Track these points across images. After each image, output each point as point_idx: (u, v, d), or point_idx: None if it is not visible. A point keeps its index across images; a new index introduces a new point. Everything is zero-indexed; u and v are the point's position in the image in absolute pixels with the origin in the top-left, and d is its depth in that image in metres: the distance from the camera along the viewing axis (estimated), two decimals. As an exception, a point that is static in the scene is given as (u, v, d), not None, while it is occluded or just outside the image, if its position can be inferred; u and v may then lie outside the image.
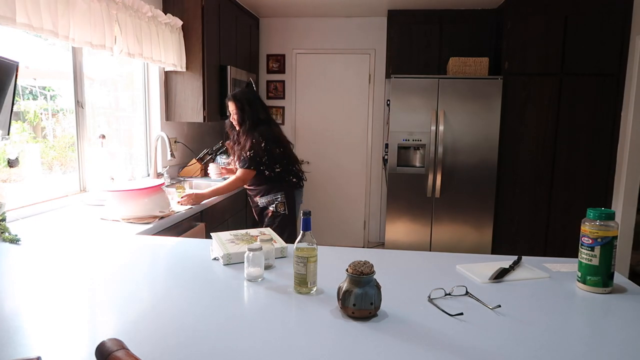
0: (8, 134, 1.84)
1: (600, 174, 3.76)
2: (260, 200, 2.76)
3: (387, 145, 4.10)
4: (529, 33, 3.69)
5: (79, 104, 2.54)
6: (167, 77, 3.35)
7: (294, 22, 4.64)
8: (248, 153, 2.63)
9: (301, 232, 1.19)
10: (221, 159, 3.50)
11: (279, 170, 2.70)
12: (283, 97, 4.75)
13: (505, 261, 1.45)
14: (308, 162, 4.81)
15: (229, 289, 1.24)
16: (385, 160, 4.41)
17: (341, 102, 4.69)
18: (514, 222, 3.90)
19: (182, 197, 2.55)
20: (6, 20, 1.75)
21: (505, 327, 1.02)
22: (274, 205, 2.72)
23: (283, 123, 4.77)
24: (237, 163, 2.72)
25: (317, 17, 4.57)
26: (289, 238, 2.58)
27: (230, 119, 2.75)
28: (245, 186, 2.81)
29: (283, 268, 1.41)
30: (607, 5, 3.59)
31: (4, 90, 1.75)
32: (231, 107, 2.71)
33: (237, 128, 2.72)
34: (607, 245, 1.19)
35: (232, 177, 2.71)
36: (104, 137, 2.56)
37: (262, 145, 2.62)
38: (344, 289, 1.06)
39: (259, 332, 0.98)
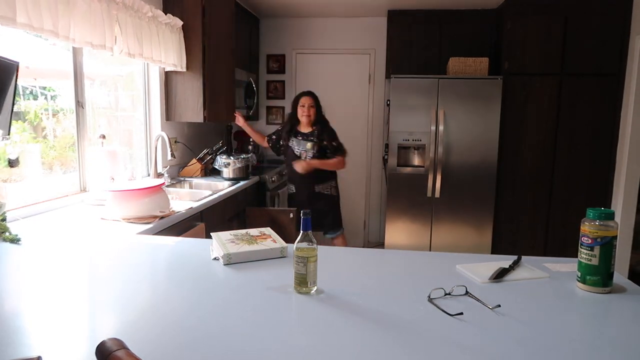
0: (8, 134, 1.85)
1: (600, 174, 3.76)
2: (317, 187, 3.31)
3: (387, 145, 4.10)
4: (529, 33, 3.70)
5: (79, 103, 2.54)
6: (168, 77, 3.35)
7: (293, 22, 4.64)
8: (339, 142, 3.25)
9: (301, 231, 1.19)
10: (221, 159, 3.50)
11: None
12: (283, 97, 4.75)
13: (505, 261, 1.45)
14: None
15: (228, 289, 1.24)
16: (385, 160, 4.42)
17: (341, 102, 4.69)
18: (514, 222, 3.90)
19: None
20: (6, 20, 1.75)
21: (505, 327, 1.02)
22: (328, 190, 3.34)
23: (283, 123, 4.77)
24: (312, 153, 3.22)
25: (317, 17, 4.57)
26: (336, 219, 3.42)
27: (304, 113, 3.23)
28: (302, 172, 3.23)
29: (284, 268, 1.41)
30: (607, 5, 3.59)
31: (5, 90, 1.75)
32: (309, 101, 3.24)
33: (310, 121, 3.25)
34: (607, 245, 1.20)
35: (336, 159, 3.23)
36: (104, 137, 2.56)
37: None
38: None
39: (259, 332, 0.98)
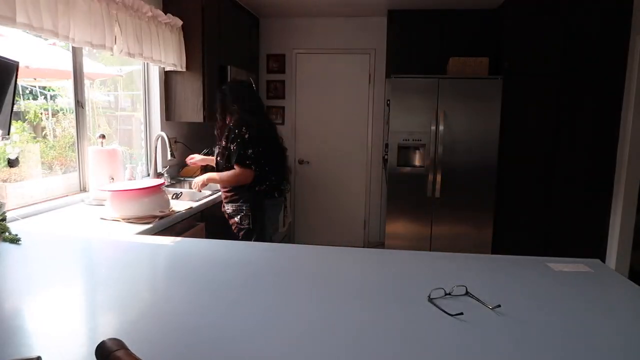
0: (8, 134, 1.84)
1: (600, 173, 3.76)
2: (227, 207, 2.53)
3: (387, 145, 4.10)
4: (529, 33, 3.69)
5: (79, 103, 2.54)
6: (167, 77, 3.35)
7: (294, 22, 4.64)
8: (233, 146, 2.41)
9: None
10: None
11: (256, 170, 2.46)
12: (283, 97, 4.75)
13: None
14: (308, 162, 4.81)
15: (228, 288, 1.24)
16: (385, 160, 4.41)
17: (341, 102, 4.69)
18: (514, 222, 3.90)
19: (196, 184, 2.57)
20: (6, 20, 1.75)
21: (505, 326, 1.02)
22: (239, 217, 2.50)
23: (283, 123, 4.77)
24: (220, 159, 2.50)
25: (317, 17, 4.57)
26: None
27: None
28: (220, 187, 2.62)
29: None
30: (607, 5, 3.59)
31: (4, 90, 1.75)
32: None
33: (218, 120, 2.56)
34: None
35: (232, 171, 2.47)
36: (103, 137, 2.56)
37: (246, 137, 2.41)
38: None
39: (259, 332, 0.98)
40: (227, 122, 2.53)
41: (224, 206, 2.58)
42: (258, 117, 2.54)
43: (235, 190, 2.49)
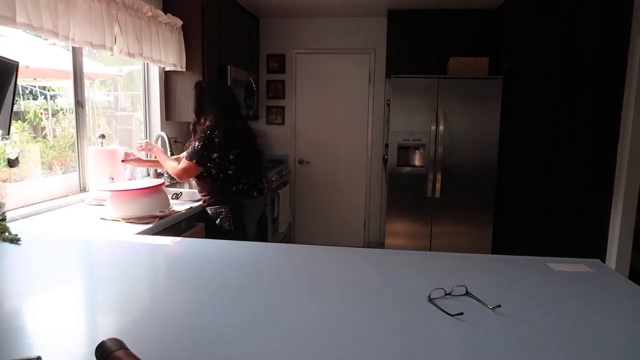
0: (8, 134, 1.84)
1: (600, 173, 3.76)
2: (208, 210, 2.49)
3: (387, 145, 4.10)
4: (529, 33, 3.69)
5: (79, 103, 2.54)
6: (167, 77, 3.35)
7: (293, 22, 4.64)
8: (197, 144, 2.37)
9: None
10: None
11: (231, 173, 2.43)
12: (283, 97, 4.75)
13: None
14: (308, 162, 4.81)
15: (229, 289, 1.24)
16: (385, 160, 4.41)
17: (341, 102, 4.69)
18: (514, 222, 3.90)
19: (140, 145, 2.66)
20: (6, 20, 1.75)
21: (505, 327, 1.02)
22: (219, 220, 2.46)
23: (283, 123, 4.77)
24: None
25: (317, 17, 4.57)
26: None
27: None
28: (198, 191, 2.57)
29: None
30: (607, 5, 3.59)
31: (4, 90, 1.75)
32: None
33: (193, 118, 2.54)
34: None
35: (179, 164, 2.44)
36: (103, 137, 2.56)
37: (216, 140, 2.37)
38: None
39: (259, 331, 0.98)
40: (201, 122, 2.50)
41: (205, 210, 2.53)
42: (233, 121, 2.50)
43: (212, 194, 2.47)
